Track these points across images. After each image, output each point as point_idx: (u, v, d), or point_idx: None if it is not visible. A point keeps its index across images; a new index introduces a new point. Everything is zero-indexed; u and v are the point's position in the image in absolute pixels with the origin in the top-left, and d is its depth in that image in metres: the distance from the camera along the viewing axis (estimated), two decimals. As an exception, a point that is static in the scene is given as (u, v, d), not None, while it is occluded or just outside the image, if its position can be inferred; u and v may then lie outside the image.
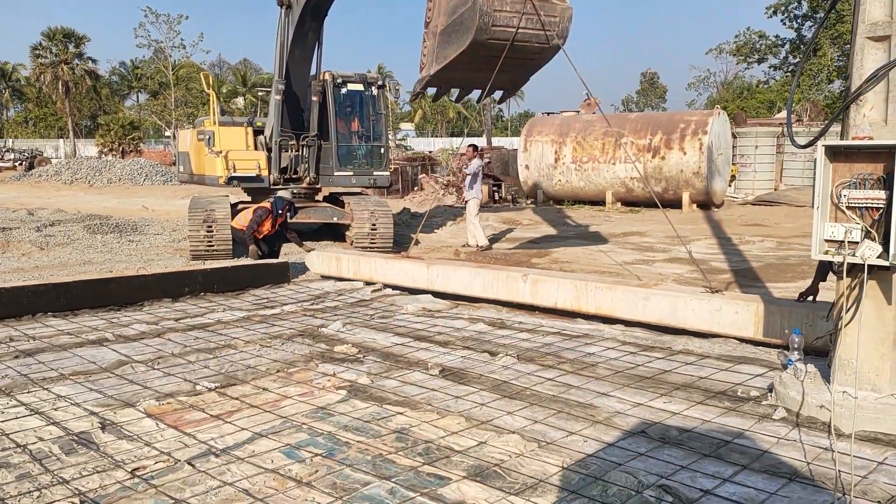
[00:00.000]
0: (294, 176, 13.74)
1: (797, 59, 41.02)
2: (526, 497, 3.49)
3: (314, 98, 13.41)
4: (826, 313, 5.62)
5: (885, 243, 4.08)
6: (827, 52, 35.30)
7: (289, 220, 12.38)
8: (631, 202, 21.12)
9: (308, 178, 13.73)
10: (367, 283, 9.68)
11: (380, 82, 14.31)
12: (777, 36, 43.61)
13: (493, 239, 14.57)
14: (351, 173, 13.87)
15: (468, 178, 13.52)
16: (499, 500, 3.46)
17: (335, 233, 14.36)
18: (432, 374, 5.56)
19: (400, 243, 13.65)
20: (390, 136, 47.04)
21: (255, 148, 13.75)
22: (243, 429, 4.38)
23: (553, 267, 11.10)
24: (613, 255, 12.11)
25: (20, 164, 44.95)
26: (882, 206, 4.12)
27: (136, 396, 5.00)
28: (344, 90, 13.66)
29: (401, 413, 4.67)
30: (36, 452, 4.04)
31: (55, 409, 4.74)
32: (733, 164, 22.72)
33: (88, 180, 34.71)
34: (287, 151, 13.51)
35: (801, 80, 37.10)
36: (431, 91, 9.84)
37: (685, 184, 19.87)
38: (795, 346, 5.12)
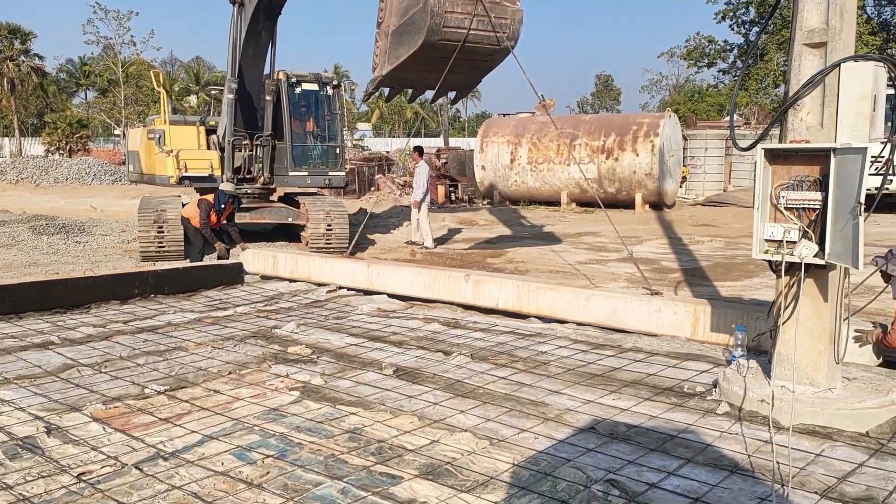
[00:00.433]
0: (248, 176, 13.59)
1: (747, 64, 41.99)
2: (477, 494, 3.53)
3: (268, 97, 13.29)
4: (762, 314, 5.83)
5: (822, 243, 4.24)
6: (773, 57, 36.18)
7: (235, 215, 12.09)
8: (586, 203, 21.38)
9: (262, 178, 13.60)
10: (319, 285, 9.65)
11: (335, 82, 14.24)
12: (725, 41, 44.50)
13: (448, 239, 14.64)
14: (306, 173, 13.78)
15: (415, 180, 13.70)
16: (450, 497, 3.50)
17: (290, 233, 14.26)
18: (386, 374, 5.58)
19: (356, 244, 13.61)
20: (346, 137, 46.75)
21: (208, 147, 13.58)
22: (193, 431, 4.35)
23: (508, 267, 11.20)
24: (568, 255, 12.26)
25: (-38, 164, 43.50)
26: (818, 207, 4.28)
27: (83, 400, 4.92)
28: (298, 90, 13.57)
29: (354, 413, 4.68)
30: (-22, 458, 3.94)
31: (-2, 414, 4.64)
32: (684, 165, 23.16)
33: (34, 180, 33.78)
34: (240, 151, 13.36)
35: (749, 84, 37.98)
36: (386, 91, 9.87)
37: (638, 185, 20.20)
38: (739, 342, 5.28)
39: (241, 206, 12.80)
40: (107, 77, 60.69)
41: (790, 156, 4.42)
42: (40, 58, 59.51)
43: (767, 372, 4.79)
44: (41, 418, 4.56)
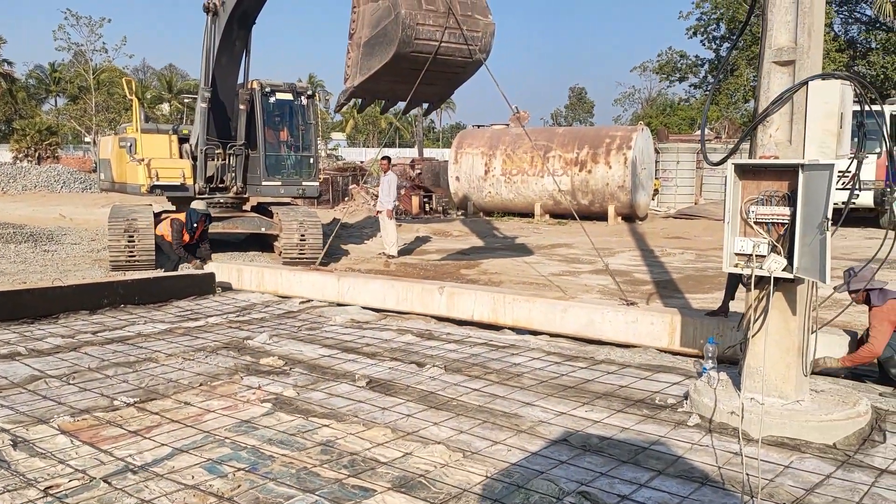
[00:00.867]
0: (221, 185, 13.49)
1: (718, 79, 42.70)
2: (449, 507, 3.52)
3: (241, 107, 13.21)
4: (736, 324, 5.91)
5: (790, 257, 4.31)
6: (743, 73, 36.81)
7: (208, 232, 12.00)
8: (559, 214, 21.51)
9: (235, 188, 13.51)
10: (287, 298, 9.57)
11: (309, 92, 14.21)
12: (697, 56, 45.26)
13: (421, 250, 14.65)
14: (279, 183, 13.69)
15: (383, 189, 13.73)
16: (423, 510, 3.49)
17: (263, 243, 14.17)
18: (359, 385, 5.55)
19: (330, 254, 13.56)
20: (321, 146, 46.61)
21: (181, 156, 13.45)
22: (163, 444, 4.29)
23: (482, 278, 11.22)
24: (541, 267, 12.32)
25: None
26: (787, 221, 4.35)
27: (50, 413, 4.83)
28: (272, 99, 13.51)
29: (326, 425, 4.65)
30: (-60, 473, 3.85)
31: (-38, 427, 4.54)
32: (656, 178, 23.43)
33: (2, 187, 33.18)
34: (213, 160, 13.27)
35: (720, 99, 38.61)
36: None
37: (611, 197, 20.38)
38: (710, 354, 5.34)
39: (214, 217, 12.72)
40: (77, 84, 59.91)
41: (760, 171, 4.50)
42: (9, 63, 58.65)
43: (738, 384, 4.85)
44: (7, 431, 4.47)
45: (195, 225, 11.28)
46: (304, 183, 13.90)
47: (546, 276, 11.26)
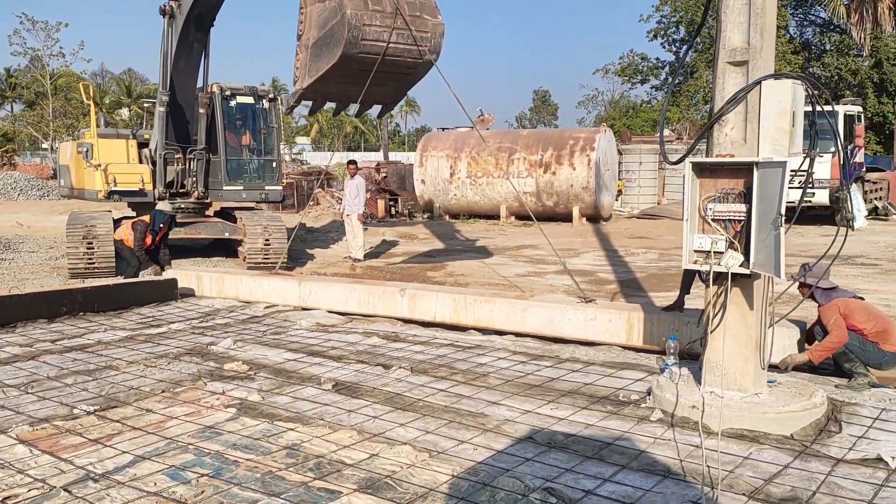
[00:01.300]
0: (181, 190, 13.33)
1: (675, 81, 43.31)
2: (416, 506, 3.53)
3: (201, 110, 13.06)
4: (693, 319, 6.04)
5: (747, 253, 4.41)
6: (702, 74, 37.44)
7: (168, 235, 11.84)
8: (525, 216, 21.64)
9: (196, 193, 13.34)
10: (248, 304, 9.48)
11: (271, 95, 14.08)
12: (658, 58, 45.89)
13: (387, 253, 14.63)
14: (241, 188, 13.54)
15: (350, 192, 13.72)
16: (389, 510, 3.49)
17: (227, 249, 14.02)
18: (325, 388, 5.53)
19: (295, 259, 13.48)
20: (285, 150, 46.21)
21: (141, 161, 13.26)
22: (124, 452, 4.23)
23: (448, 280, 11.25)
24: (507, 268, 12.39)
25: None
26: (743, 218, 4.45)
27: (8, 422, 4.73)
28: (233, 102, 13.36)
29: (292, 429, 4.62)
30: None
31: (-85, 440, 4.42)
32: (619, 179, 23.71)
33: (-44, 195, 32.37)
34: (172, 165, 13.11)
35: (680, 101, 39.20)
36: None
37: (575, 198, 20.57)
38: (671, 350, 5.42)
39: (177, 221, 12.56)
40: (34, 89, 58.68)
41: (716, 169, 4.59)
42: (-37, 69, 57.21)
43: (698, 379, 4.93)
44: (-38, 442, 4.37)
45: (161, 226, 11.10)
46: (266, 187, 13.77)
47: (512, 277, 11.32)
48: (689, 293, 6.59)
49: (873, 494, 3.62)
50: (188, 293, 10.00)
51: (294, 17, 8.76)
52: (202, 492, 3.69)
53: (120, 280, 10.41)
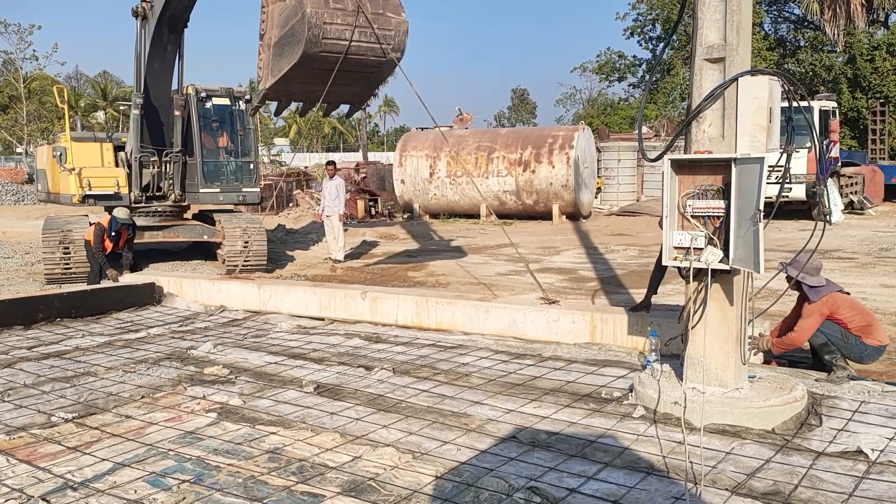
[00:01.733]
0: (158, 193, 13.20)
1: (652, 78, 43.63)
2: (400, 508, 3.51)
3: (177, 112, 12.94)
4: (658, 320, 6.10)
5: (726, 249, 4.43)
6: (679, 72, 37.71)
7: (133, 241, 11.53)
8: (504, 215, 21.66)
9: (173, 196, 13.22)
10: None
11: (247, 96, 13.96)
12: (635, 56, 46.17)
13: (367, 254, 14.57)
14: (218, 190, 13.41)
15: (330, 193, 13.65)
16: (373, 513, 3.47)
17: (206, 252, 13.90)
18: (307, 391, 5.50)
19: (275, 261, 13.39)
20: (263, 152, 45.90)
21: (117, 164, 13.11)
22: (104, 459, 4.17)
23: (429, 280, 11.23)
24: (488, 268, 12.40)
25: None
26: (722, 214, 4.47)
27: (-17, 432, 4.65)
28: (209, 104, 13.24)
29: (274, 433, 4.59)
30: None
31: None
32: (598, 176, 23.81)
33: (-72, 201, 31.83)
34: (148, 168, 12.97)
35: (657, 98, 39.46)
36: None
37: (555, 196, 20.62)
38: (652, 347, 5.44)
39: (153, 226, 12.44)
40: (7, 93, 57.88)
41: (695, 166, 4.61)
42: (-67, 72, 56.29)
43: (680, 375, 4.95)
44: (-64, 453, 4.29)
45: (113, 234, 10.80)
46: (244, 189, 13.65)
47: (493, 277, 11.33)
48: (656, 293, 6.63)
49: (854, 487, 3.65)
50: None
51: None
52: (183, 498, 3.65)
53: (98, 285, 10.27)
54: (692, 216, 4.58)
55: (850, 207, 20.11)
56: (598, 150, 24.05)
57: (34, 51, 66.81)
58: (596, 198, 23.61)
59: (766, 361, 5.86)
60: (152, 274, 10.94)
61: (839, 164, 20.22)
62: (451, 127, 24.34)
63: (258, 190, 14.12)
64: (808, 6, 33.91)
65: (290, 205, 26.01)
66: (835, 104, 20.41)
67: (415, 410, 5.00)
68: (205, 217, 14.19)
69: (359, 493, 3.67)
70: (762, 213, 4.19)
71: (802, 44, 37.88)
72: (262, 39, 8.62)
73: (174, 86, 13.18)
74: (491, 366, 6.16)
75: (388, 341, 7.20)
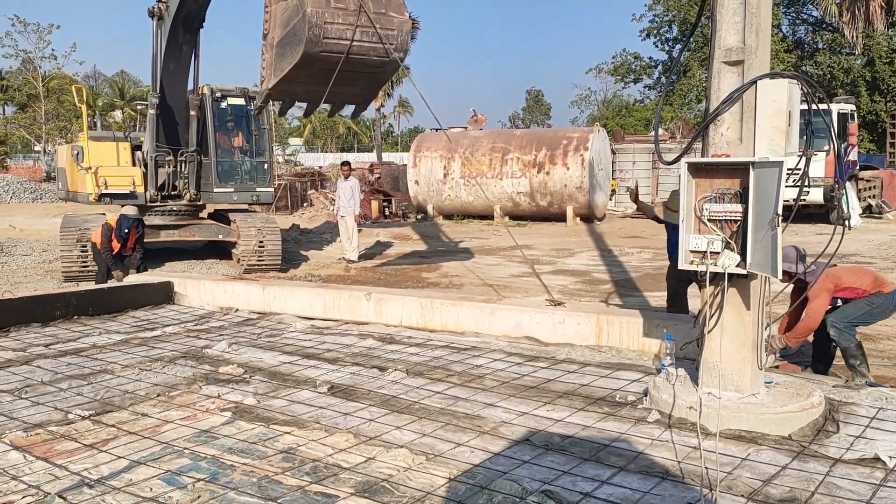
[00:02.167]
0: (173, 192, 13.29)
1: (670, 81, 43.44)
2: (413, 510, 3.51)
3: (192, 112, 13.04)
4: (663, 322, 6.07)
5: (743, 253, 4.40)
6: (696, 73, 37.52)
7: (143, 240, 11.42)
8: (518, 216, 21.66)
9: (188, 195, 13.31)
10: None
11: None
12: (650, 58, 45.98)
13: (382, 254, 14.59)
14: (232, 189, 13.48)
15: (345, 194, 13.70)
16: (386, 515, 3.47)
17: (221, 251, 13.98)
18: (321, 391, 5.51)
19: (289, 260, 13.45)
20: (278, 152, 46.06)
21: (134, 164, 13.21)
22: (120, 457, 4.20)
23: (443, 281, 11.24)
24: (501, 269, 12.39)
25: None
26: (739, 218, 4.44)
27: (2, 428, 4.69)
28: (224, 104, 13.32)
29: (288, 433, 4.60)
30: None
31: None
32: (613, 178, 23.73)
33: (-52, 198, 32.19)
34: (163, 167, 13.06)
35: (673, 100, 39.27)
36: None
37: (569, 198, 20.57)
38: (668, 351, 5.41)
39: (169, 225, 12.51)
40: (26, 92, 58.45)
41: (712, 169, 4.57)
42: (-47, 71, 56.89)
43: (695, 379, 4.92)
44: (-45, 449, 4.33)
45: (126, 231, 10.72)
46: (258, 189, 13.72)
47: (506, 278, 11.31)
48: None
49: (871, 494, 3.62)
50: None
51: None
52: (198, 497, 3.67)
53: (114, 283, 10.33)
54: (709, 220, 4.55)
55: (867, 211, 19.94)
56: (613, 152, 23.98)
57: (53, 50, 67.31)
58: (610, 200, 23.54)
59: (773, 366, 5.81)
60: (159, 274, 10.98)
61: (857, 167, 20.06)
62: (465, 128, 24.35)
63: (272, 190, 14.21)
64: (826, 8, 33.63)
65: (305, 204, 26.10)
66: (853, 107, 20.25)
67: (428, 412, 5.00)
68: (220, 216, 14.27)
69: (372, 495, 3.67)
70: (780, 217, 4.16)
71: (821, 46, 37.60)
72: (265, 39, 8.61)
73: (190, 86, 13.28)
74: (504, 368, 6.15)
75: (401, 342, 7.20)
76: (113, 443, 4.44)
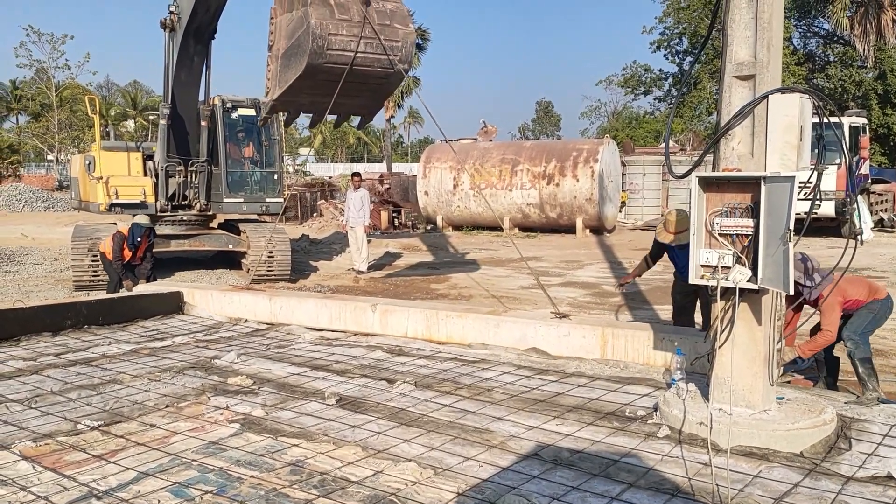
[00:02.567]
0: (183, 202, 13.35)
1: (680, 93, 43.39)
2: (421, 525, 3.49)
3: (203, 123, 13.12)
4: (671, 336, 6.04)
5: (754, 268, 4.37)
6: (706, 86, 37.44)
7: (153, 249, 11.51)
8: (527, 227, 21.64)
9: (199, 205, 13.37)
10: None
11: (272, 108, 14.09)
12: (661, 70, 45.87)
13: (391, 265, 14.59)
14: (241, 200, 13.54)
15: (355, 204, 13.72)
16: (394, 529, 3.45)
17: (231, 261, 14.02)
18: (329, 403, 5.50)
19: (299, 271, 13.47)
20: (288, 162, 46.24)
21: (145, 174, 13.30)
22: (128, 468, 4.19)
23: (452, 293, 11.23)
24: (511, 280, 12.36)
25: None
26: (750, 233, 4.41)
27: (11, 438, 4.70)
28: (234, 115, 13.40)
29: (296, 445, 4.59)
30: None
31: (-83, 456, 4.39)
32: (623, 190, 23.69)
33: (-39, 207, 32.47)
34: (174, 177, 13.13)
35: (683, 112, 39.19)
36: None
37: (579, 210, 20.55)
38: (678, 366, 5.38)
39: (179, 235, 12.56)
40: (40, 101, 58.99)
41: (723, 184, 4.56)
42: (-31, 81, 57.42)
43: (706, 394, 4.89)
44: (-36, 459, 4.34)
45: (138, 240, 10.77)
46: (267, 199, 13.77)
47: (515, 290, 11.29)
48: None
49: (885, 514, 3.57)
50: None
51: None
52: (206, 510, 3.66)
53: (125, 293, 10.38)
54: (720, 234, 4.53)
55: (879, 225, 19.81)
56: (623, 164, 23.95)
57: (66, 60, 67.90)
58: (620, 212, 23.49)
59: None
60: (169, 283, 11.01)
61: (869, 180, 19.95)
62: (475, 139, 24.39)
63: (281, 200, 14.25)
64: (837, 21, 33.55)
65: (315, 215, 26.17)
66: (865, 120, 20.18)
67: (437, 425, 4.98)
68: (230, 227, 14.33)
69: (380, 509, 3.65)
70: (792, 232, 4.13)
71: (832, 59, 37.46)
72: (270, 50, 8.64)
73: (201, 96, 13.37)
74: (513, 381, 6.13)
75: (410, 354, 7.19)
76: (121, 454, 4.44)
